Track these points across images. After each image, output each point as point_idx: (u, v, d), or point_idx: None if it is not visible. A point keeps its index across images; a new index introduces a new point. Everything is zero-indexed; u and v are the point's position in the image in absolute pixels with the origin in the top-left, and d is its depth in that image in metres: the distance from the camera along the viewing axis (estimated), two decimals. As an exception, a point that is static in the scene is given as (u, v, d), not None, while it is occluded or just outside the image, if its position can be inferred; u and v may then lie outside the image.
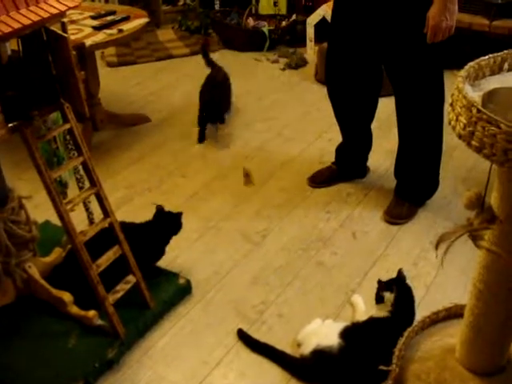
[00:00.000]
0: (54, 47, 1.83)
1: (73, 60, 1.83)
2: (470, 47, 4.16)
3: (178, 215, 2.55)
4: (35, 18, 1.72)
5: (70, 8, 1.82)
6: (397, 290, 2.19)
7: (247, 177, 3.32)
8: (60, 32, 1.80)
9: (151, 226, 2.52)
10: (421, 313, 2.07)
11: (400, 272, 2.29)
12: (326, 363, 2.09)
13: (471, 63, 1.42)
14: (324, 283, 2.60)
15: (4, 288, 2.30)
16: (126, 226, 2.36)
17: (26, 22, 1.70)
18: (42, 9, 1.76)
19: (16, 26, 1.67)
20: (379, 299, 2.20)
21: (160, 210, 2.56)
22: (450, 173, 3.32)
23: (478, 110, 1.23)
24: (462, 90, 1.31)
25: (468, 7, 4.30)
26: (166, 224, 2.54)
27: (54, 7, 1.78)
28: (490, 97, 1.34)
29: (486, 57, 1.45)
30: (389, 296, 2.18)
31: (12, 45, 1.89)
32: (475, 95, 1.34)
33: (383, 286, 2.23)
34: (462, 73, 1.38)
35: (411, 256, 2.73)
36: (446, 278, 2.58)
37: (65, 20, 1.85)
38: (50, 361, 2.15)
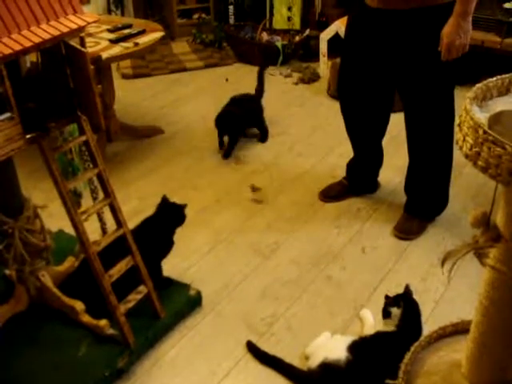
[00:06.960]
0: (73, 61, 1.87)
1: (91, 74, 1.87)
2: (482, 64, 4.20)
3: (182, 207, 2.53)
4: (55, 33, 1.76)
5: (89, 23, 1.86)
6: (404, 305, 2.21)
7: (255, 192, 3.33)
8: (79, 47, 1.83)
9: (155, 218, 2.51)
10: (429, 328, 2.08)
11: (407, 287, 2.31)
12: (334, 377, 2.10)
13: (479, 84, 1.45)
14: (333, 297, 2.62)
15: (17, 295, 2.33)
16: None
17: (46, 36, 1.74)
18: (62, 24, 1.80)
19: (36, 40, 1.71)
20: (386, 314, 2.22)
21: (165, 200, 2.55)
22: (459, 189, 3.33)
23: (485, 131, 1.25)
24: (470, 110, 1.33)
25: (481, 25, 4.33)
26: (170, 215, 2.52)
27: (74, 22, 1.82)
28: (496, 118, 1.36)
29: (494, 78, 1.48)
30: (396, 311, 2.20)
31: (31, 57, 1.93)
32: (482, 116, 1.37)
33: (391, 301, 2.25)
34: (470, 94, 1.41)
35: (420, 271, 2.75)
36: (455, 294, 2.59)
37: (83, 34, 1.89)
38: (61, 368, 2.18)
